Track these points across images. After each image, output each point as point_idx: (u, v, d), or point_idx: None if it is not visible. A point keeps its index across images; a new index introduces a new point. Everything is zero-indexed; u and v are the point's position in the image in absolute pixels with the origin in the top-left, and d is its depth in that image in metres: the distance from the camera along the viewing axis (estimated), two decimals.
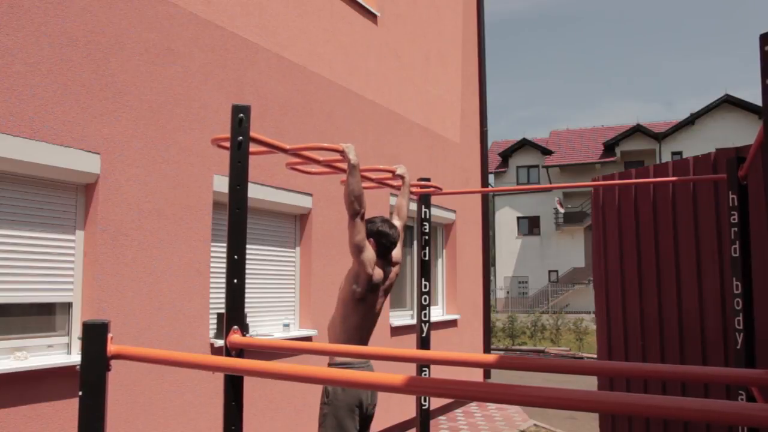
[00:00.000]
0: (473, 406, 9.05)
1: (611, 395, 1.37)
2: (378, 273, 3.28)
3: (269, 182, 5.49)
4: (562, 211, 37.06)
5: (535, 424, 7.89)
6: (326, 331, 3.47)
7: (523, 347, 17.31)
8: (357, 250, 3.15)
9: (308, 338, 5.90)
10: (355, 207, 3.07)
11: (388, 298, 3.51)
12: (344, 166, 3.23)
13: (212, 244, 4.98)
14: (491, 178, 38.94)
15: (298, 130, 5.92)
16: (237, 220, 2.35)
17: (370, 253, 3.21)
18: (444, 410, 8.50)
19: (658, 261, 5.42)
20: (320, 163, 3.27)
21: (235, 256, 2.33)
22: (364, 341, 3.34)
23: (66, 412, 3.80)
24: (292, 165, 3.53)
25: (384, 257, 3.39)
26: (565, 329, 19.30)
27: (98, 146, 4.13)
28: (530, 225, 38.99)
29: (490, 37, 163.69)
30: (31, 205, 3.90)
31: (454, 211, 8.92)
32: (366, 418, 3.28)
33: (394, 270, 3.46)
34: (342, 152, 3.01)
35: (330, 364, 3.26)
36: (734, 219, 3.38)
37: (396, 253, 3.48)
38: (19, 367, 3.59)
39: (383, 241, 3.36)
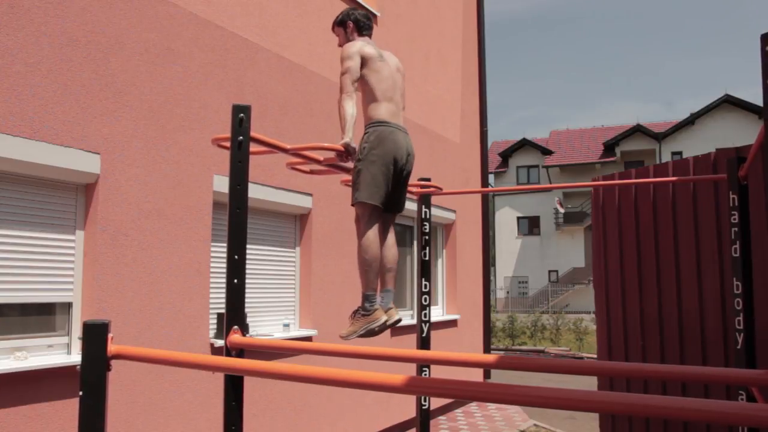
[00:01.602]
0: (473, 406, 9.05)
1: (611, 395, 1.37)
2: (361, 45, 3.26)
3: (269, 182, 5.49)
4: (562, 211, 37.05)
5: (535, 424, 7.89)
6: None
7: (523, 347, 17.30)
8: (353, 64, 3.15)
9: (308, 338, 5.90)
10: (341, 97, 3.09)
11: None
12: (344, 166, 3.26)
13: (212, 244, 4.98)
14: (491, 178, 38.95)
15: (298, 130, 5.92)
16: (237, 220, 2.36)
17: (347, 48, 3.22)
18: (444, 410, 8.50)
19: (658, 261, 5.42)
20: (320, 163, 3.27)
21: (236, 256, 2.33)
22: (391, 102, 3.28)
23: (66, 412, 3.80)
24: (292, 165, 3.53)
25: (365, 31, 3.44)
26: (565, 329, 19.30)
27: (98, 146, 4.13)
28: (530, 225, 38.98)
29: (490, 37, 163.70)
30: (31, 205, 3.90)
31: (454, 211, 8.92)
32: (401, 172, 3.23)
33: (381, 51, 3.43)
34: (342, 152, 3.02)
35: (367, 125, 3.22)
36: (734, 219, 3.38)
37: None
38: (19, 367, 3.59)
39: (359, 17, 3.44)
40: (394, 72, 3.41)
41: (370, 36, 3.51)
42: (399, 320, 3.16)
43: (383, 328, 3.07)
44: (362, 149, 3.15)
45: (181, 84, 4.74)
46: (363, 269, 3.09)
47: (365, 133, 3.20)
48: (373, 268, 3.09)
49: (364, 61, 3.23)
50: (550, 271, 37.93)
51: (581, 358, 15.24)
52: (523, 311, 31.61)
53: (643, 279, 5.55)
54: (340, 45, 3.48)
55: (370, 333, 3.04)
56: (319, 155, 3.23)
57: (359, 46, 3.26)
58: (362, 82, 3.27)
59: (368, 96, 3.26)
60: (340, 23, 3.53)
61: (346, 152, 3.04)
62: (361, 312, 3.07)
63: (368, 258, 3.07)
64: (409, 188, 3.86)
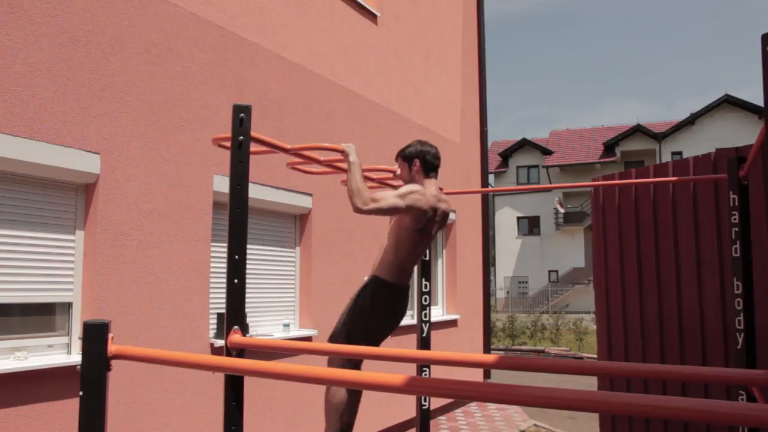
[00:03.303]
0: (473, 406, 9.05)
1: (611, 395, 1.37)
2: (429, 199, 3.18)
3: (269, 182, 5.49)
4: (562, 211, 37.05)
5: (535, 424, 7.89)
6: (375, 263, 3.32)
7: (523, 347, 17.29)
8: (401, 208, 3.05)
9: (308, 338, 5.90)
10: (356, 202, 2.99)
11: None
12: (345, 165, 3.23)
13: (212, 244, 4.98)
14: (491, 178, 38.95)
15: (298, 130, 5.92)
16: (237, 219, 2.35)
17: (414, 194, 3.10)
18: (444, 410, 8.50)
19: (658, 261, 5.42)
20: (320, 163, 3.27)
21: (236, 256, 2.33)
22: (413, 265, 3.28)
23: (66, 412, 3.80)
24: (292, 165, 3.54)
25: (432, 173, 3.34)
26: (565, 329, 19.30)
27: (98, 146, 4.13)
28: (530, 225, 38.98)
29: (490, 37, 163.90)
30: (31, 205, 3.90)
31: (454, 211, 8.92)
32: (392, 329, 3.29)
33: (444, 201, 3.35)
34: (342, 152, 3.02)
35: (374, 276, 3.18)
36: (735, 219, 3.38)
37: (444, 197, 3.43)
38: (19, 367, 3.59)
39: (428, 158, 3.32)
40: (434, 230, 3.31)
41: (435, 176, 3.38)
42: None
43: None
44: (363, 297, 3.14)
45: (181, 84, 4.74)
46: (328, 410, 3.10)
47: (367, 285, 3.18)
48: (338, 411, 3.09)
49: (415, 217, 3.12)
50: (550, 271, 37.93)
51: (581, 358, 15.24)
52: (523, 311, 31.63)
53: (643, 279, 5.54)
54: (399, 178, 3.37)
55: None
56: (320, 155, 3.23)
57: (423, 202, 3.12)
58: (399, 226, 3.18)
59: (396, 242, 3.18)
60: (405, 158, 3.38)
61: (343, 154, 3.04)
62: None
63: (335, 402, 3.09)
64: None
